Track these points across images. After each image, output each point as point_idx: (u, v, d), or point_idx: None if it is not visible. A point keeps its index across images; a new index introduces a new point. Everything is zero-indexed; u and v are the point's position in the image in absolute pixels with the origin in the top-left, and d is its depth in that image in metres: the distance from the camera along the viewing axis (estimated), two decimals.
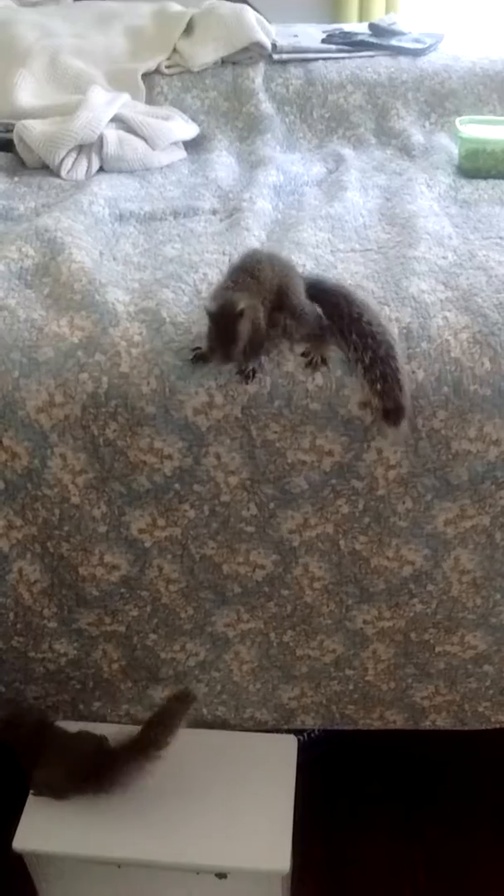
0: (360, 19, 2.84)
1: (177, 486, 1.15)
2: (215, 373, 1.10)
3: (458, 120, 1.69)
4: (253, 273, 1.08)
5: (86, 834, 1.21)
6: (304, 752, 1.35)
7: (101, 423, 1.11)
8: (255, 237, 1.38)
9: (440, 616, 1.27)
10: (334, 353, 1.12)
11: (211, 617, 1.26)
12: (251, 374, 1.10)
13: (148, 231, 1.42)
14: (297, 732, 1.37)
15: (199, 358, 1.10)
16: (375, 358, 1.08)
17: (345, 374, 1.11)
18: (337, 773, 1.54)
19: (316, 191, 1.60)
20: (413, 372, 1.12)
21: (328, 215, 1.46)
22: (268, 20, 2.00)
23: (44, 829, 1.21)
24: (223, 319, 1.02)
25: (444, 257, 1.30)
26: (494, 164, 1.62)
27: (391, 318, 1.16)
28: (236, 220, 1.44)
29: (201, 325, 1.11)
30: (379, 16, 2.75)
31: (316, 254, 1.32)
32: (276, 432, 1.13)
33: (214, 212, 1.52)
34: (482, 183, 1.59)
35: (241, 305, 1.02)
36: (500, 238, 1.36)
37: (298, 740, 1.35)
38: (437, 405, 1.12)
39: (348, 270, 1.28)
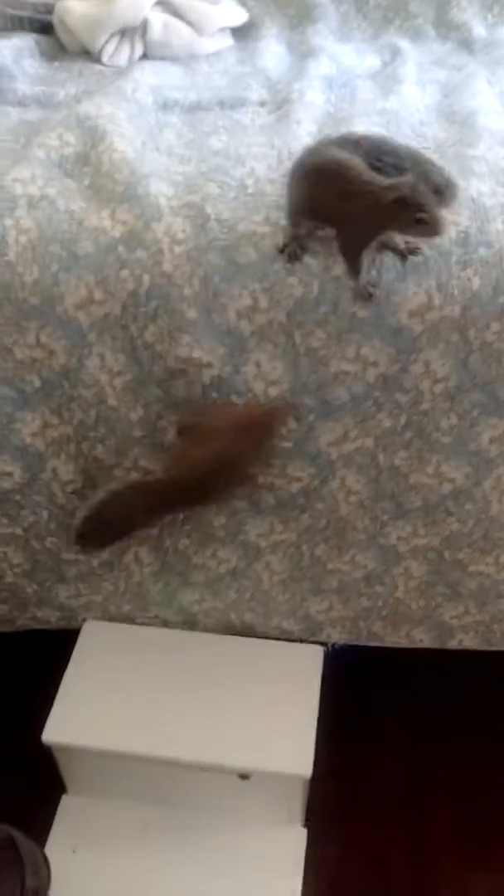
0: None
1: (214, 395, 1.11)
2: (260, 274, 1.06)
3: None
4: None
5: (113, 729, 1.23)
6: (329, 662, 1.36)
7: (141, 324, 1.07)
8: (305, 131, 1.30)
9: (476, 535, 1.24)
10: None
11: (244, 526, 1.25)
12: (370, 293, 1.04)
13: (192, 121, 1.34)
14: (323, 644, 1.38)
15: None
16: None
17: (396, 280, 1.06)
18: (361, 685, 1.55)
19: (370, 84, 1.49)
20: (469, 279, 1.06)
21: (383, 110, 1.37)
22: None
23: (73, 722, 1.24)
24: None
25: None
26: None
27: (449, 222, 1.09)
28: (285, 112, 1.36)
29: (248, 223, 1.06)
30: None
31: None
32: (320, 339, 1.08)
33: (263, 103, 1.43)
34: None
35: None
36: None
37: (324, 651, 1.36)
38: (492, 316, 1.07)
39: None
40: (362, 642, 1.40)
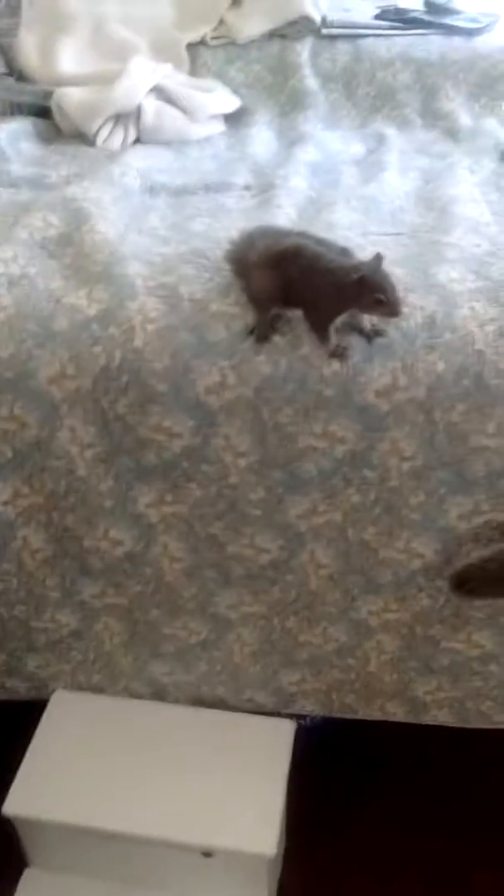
0: None
1: (185, 464, 1.14)
2: (229, 352, 1.09)
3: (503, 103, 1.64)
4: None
5: (77, 803, 1.22)
6: (304, 736, 1.35)
7: (112, 397, 1.10)
8: (286, 215, 1.35)
9: (447, 612, 1.24)
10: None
11: (214, 598, 1.26)
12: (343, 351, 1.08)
13: (178, 204, 1.39)
14: (298, 717, 1.37)
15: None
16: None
17: (363, 361, 1.09)
18: (336, 760, 1.53)
19: (354, 170, 1.56)
20: (434, 363, 1.09)
21: (363, 196, 1.43)
22: None
23: (35, 794, 1.23)
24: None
25: (478, 245, 1.26)
26: None
27: (416, 306, 1.12)
28: (269, 197, 1.41)
29: (220, 304, 1.10)
30: None
31: (347, 235, 1.28)
32: (288, 416, 1.11)
33: (248, 187, 1.49)
34: None
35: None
36: None
37: (299, 724, 1.35)
38: (457, 398, 1.09)
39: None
40: (336, 714, 1.39)
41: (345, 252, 1.13)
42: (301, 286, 1.07)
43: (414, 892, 1.40)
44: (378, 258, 1.04)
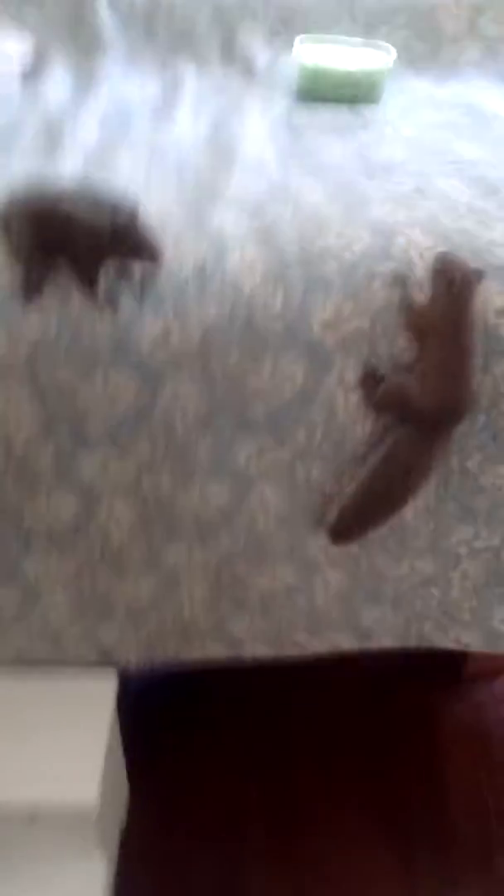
0: None
1: None
2: None
3: (297, 39, 1.62)
4: None
5: None
6: (131, 690, 1.38)
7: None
8: (70, 166, 1.32)
9: (250, 552, 1.28)
10: None
11: (22, 565, 1.25)
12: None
13: None
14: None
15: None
16: None
17: (134, 314, 1.08)
18: (169, 706, 1.58)
19: (146, 116, 1.52)
20: (205, 310, 1.09)
21: (150, 142, 1.40)
22: None
23: None
24: None
25: (256, 188, 1.26)
26: (333, 89, 1.57)
27: (188, 252, 1.12)
28: (54, 148, 1.37)
29: None
30: None
31: (127, 184, 1.26)
32: (65, 377, 1.09)
33: (35, 138, 1.44)
34: (319, 108, 1.54)
35: None
36: (319, 167, 1.33)
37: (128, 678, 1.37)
38: (231, 344, 1.10)
39: (155, 201, 1.22)
40: (160, 660, 1.42)
41: (119, 201, 1.11)
42: (59, 237, 1.05)
43: (256, 831, 1.46)
44: (134, 204, 1.03)
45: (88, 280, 1.07)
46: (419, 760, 1.58)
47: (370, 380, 1.12)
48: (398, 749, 1.59)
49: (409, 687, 1.69)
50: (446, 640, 1.41)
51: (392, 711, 1.65)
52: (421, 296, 1.09)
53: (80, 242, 1.04)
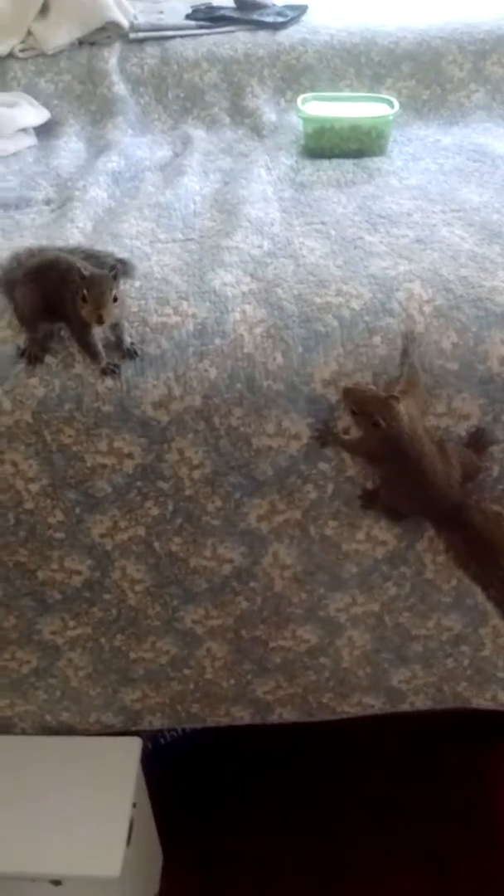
0: None
1: None
2: (2, 377, 1.08)
3: (300, 98, 1.64)
4: None
5: None
6: (162, 754, 1.35)
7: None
8: (80, 229, 1.34)
9: (267, 612, 1.25)
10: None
11: (35, 625, 1.25)
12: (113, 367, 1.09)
13: None
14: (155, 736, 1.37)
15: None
16: None
17: (136, 374, 1.08)
18: (203, 773, 1.54)
19: (156, 176, 1.55)
20: (206, 370, 1.09)
21: (159, 203, 1.43)
22: None
23: None
24: None
25: (259, 246, 1.27)
26: (339, 143, 1.58)
27: (188, 314, 1.13)
28: (66, 210, 1.40)
29: None
30: None
31: (132, 245, 1.28)
32: (70, 436, 1.10)
33: (48, 202, 1.47)
34: (325, 163, 1.55)
35: None
36: (322, 223, 1.33)
37: (160, 742, 1.34)
38: (232, 403, 1.09)
39: (160, 263, 1.24)
40: (184, 725, 1.39)
41: (123, 263, 1.13)
42: (56, 300, 1.06)
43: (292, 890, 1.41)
44: (116, 264, 1.05)
45: (87, 344, 1.07)
46: (469, 822, 1.51)
47: (369, 493, 1.15)
48: (446, 811, 1.52)
49: (456, 744, 1.61)
50: (483, 700, 1.36)
51: (439, 771, 1.58)
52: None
53: (74, 304, 1.04)
